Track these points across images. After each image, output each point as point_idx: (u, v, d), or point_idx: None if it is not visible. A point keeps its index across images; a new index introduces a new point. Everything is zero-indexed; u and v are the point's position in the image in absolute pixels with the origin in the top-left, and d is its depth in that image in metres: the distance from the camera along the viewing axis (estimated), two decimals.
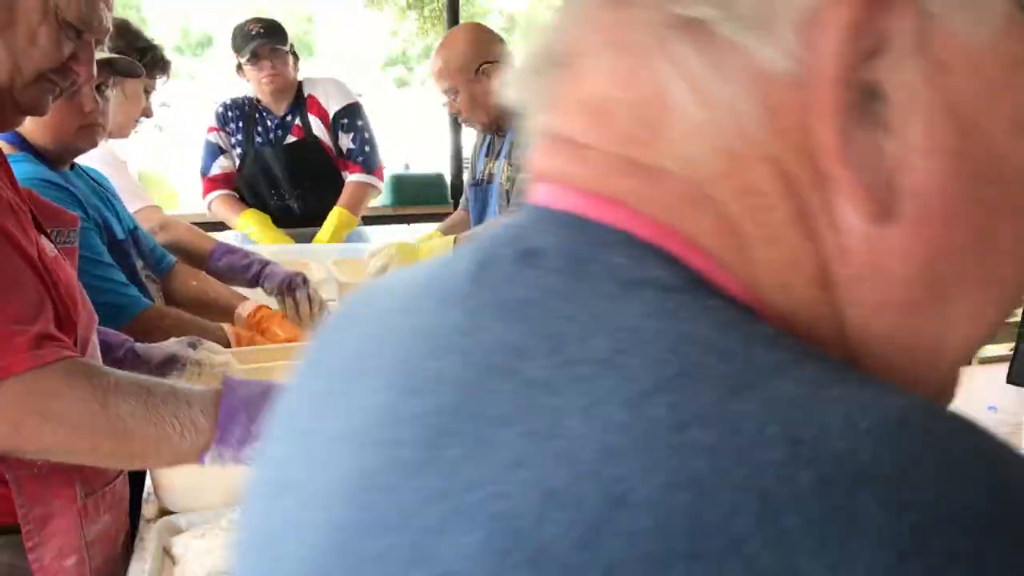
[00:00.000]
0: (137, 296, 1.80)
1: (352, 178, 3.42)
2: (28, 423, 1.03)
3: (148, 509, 1.44)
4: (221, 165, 3.49)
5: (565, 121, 0.41)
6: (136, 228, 2.02)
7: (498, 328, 0.36)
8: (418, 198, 4.86)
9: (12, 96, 1.15)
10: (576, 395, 0.31)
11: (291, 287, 2.12)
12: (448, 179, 5.16)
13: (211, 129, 3.53)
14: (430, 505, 0.32)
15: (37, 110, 1.20)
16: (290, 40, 3.41)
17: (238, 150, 3.49)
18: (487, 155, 2.99)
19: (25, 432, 1.03)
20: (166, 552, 1.24)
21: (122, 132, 2.42)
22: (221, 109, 3.53)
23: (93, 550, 1.21)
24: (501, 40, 2.92)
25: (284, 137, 3.46)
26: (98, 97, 1.80)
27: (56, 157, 1.82)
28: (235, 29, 3.38)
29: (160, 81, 2.47)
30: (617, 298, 0.35)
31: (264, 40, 3.28)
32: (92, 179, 1.97)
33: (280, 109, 3.45)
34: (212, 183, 3.48)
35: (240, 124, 3.49)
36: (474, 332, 0.37)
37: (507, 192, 2.79)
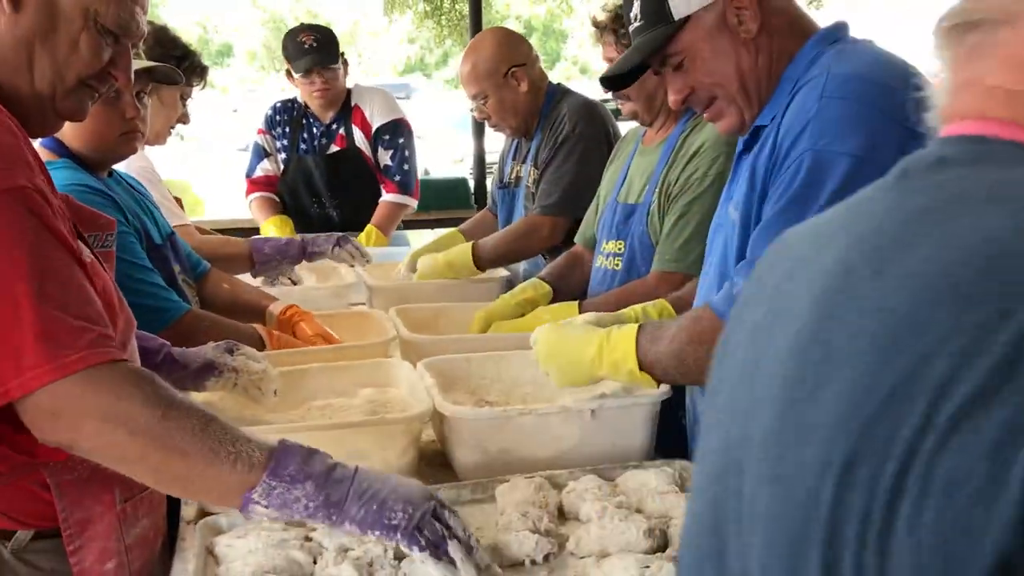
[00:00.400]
0: (177, 300, 1.82)
1: (386, 197, 3.44)
2: (89, 421, 1.03)
3: (187, 511, 1.45)
4: (264, 168, 3.54)
5: (986, 69, 0.62)
6: (173, 234, 2.04)
7: (913, 199, 0.60)
8: (441, 203, 4.87)
9: (53, 103, 1.16)
10: (964, 218, 0.55)
11: (343, 242, 2.49)
12: (471, 184, 5.17)
13: (259, 131, 3.57)
14: (869, 283, 0.57)
15: (77, 116, 1.21)
16: (341, 48, 3.39)
17: (283, 155, 3.52)
18: (514, 158, 2.99)
19: (85, 429, 1.04)
20: (209, 552, 1.24)
21: (159, 139, 2.45)
22: (271, 112, 3.56)
23: (132, 554, 1.22)
24: (528, 43, 2.89)
25: (328, 146, 3.48)
26: (138, 104, 1.83)
27: (96, 163, 1.84)
28: (287, 37, 3.37)
29: (197, 88, 2.49)
30: (998, 172, 0.58)
31: (316, 55, 3.28)
32: (130, 186, 1.99)
33: (327, 117, 3.48)
34: (253, 185, 3.54)
35: (287, 129, 3.52)
36: (897, 205, 0.61)
37: (532, 194, 2.79)
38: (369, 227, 3.35)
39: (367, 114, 3.47)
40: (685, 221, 1.96)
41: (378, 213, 3.41)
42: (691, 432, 1.70)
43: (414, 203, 3.52)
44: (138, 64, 1.78)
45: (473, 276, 2.67)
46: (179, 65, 2.18)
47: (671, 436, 1.72)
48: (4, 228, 1.01)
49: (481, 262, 2.67)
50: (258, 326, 1.93)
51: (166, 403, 1.06)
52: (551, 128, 2.74)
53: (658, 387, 1.50)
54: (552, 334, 1.56)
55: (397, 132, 3.46)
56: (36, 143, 1.61)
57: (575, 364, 1.51)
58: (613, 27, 2.13)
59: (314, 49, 3.28)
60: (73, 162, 1.79)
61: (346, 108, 3.47)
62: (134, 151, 1.88)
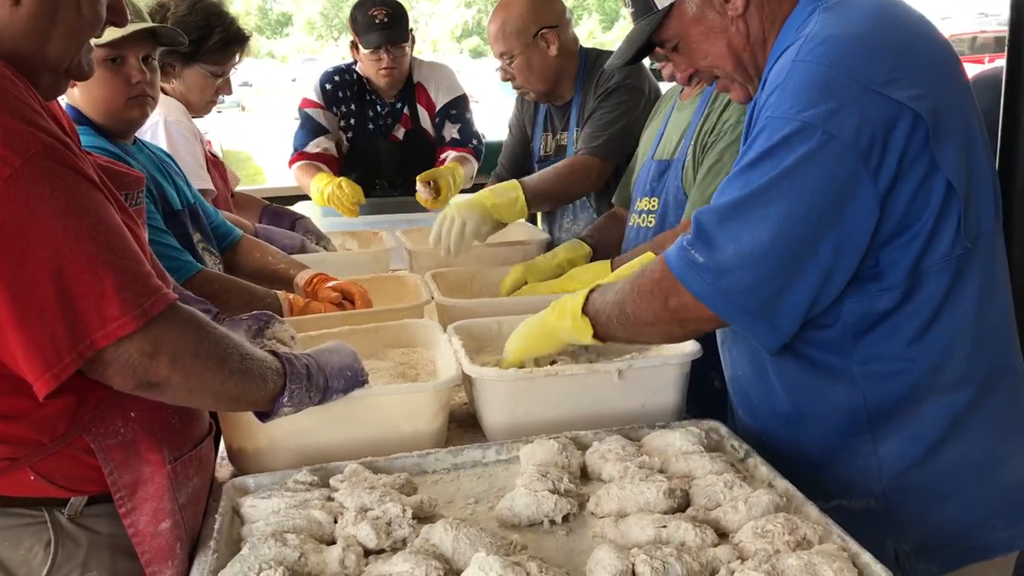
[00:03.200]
0: (189, 260, 1.84)
1: (455, 155, 3.35)
2: (184, 356, 1.08)
3: (222, 472, 1.48)
4: (321, 145, 3.35)
5: None
6: (196, 203, 2.06)
7: None
8: (494, 166, 4.85)
9: (66, 69, 1.16)
10: None
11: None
12: None
13: (310, 104, 3.40)
14: None
15: (87, 75, 1.21)
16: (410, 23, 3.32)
17: (349, 134, 3.44)
18: (546, 130, 2.91)
19: (180, 364, 1.07)
20: (235, 512, 1.27)
21: (201, 111, 2.47)
22: (329, 86, 3.41)
23: (186, 512, 1.24)
24: (562, 3, 2.77)
25: (393, 126, 3.44)
26: (144, 68, 1.83)
27: (113, 130, 1.86)
28: (356, 8, 3.27)
29: (237, 56, 2.46)
30: None
31: (387, 32, 3.21)
32: (153, 154, 2.01)
33: (391, 95, 3.43)
34: (304, 158, 3.33)
35: (351, 106, 3.42)
36: None
37: None
38: (452, 164, 3.21)
39: (432, 93, 3.44)
40: (718, 169, 1.90)
41: (451, 160, 3.30)
42: (730, 395, 1.66)
43: (476, 166, 3.46)
44: (140, 27, 1.77)
45: (520, 216, 2.44)
46: (208, 34, 2.18)
47: (704, 399, 1.69)
48: (53, 189, 1.00)
49: (528, 197, 2.41)
50: (280, 292, 1.93)
51: (224, 333, 1.15)
52: (595, 84, 2.67)
53: (591, 338, 1.47)
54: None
55: (463, 107, 3.46)
56: None
57: (529, 327, 1.59)
58: None
59: (386, 25, 3.21)
60: (92, 129, 1.81)
61: (409, 85, 3.42)
62: (145, 116, 1.89)
